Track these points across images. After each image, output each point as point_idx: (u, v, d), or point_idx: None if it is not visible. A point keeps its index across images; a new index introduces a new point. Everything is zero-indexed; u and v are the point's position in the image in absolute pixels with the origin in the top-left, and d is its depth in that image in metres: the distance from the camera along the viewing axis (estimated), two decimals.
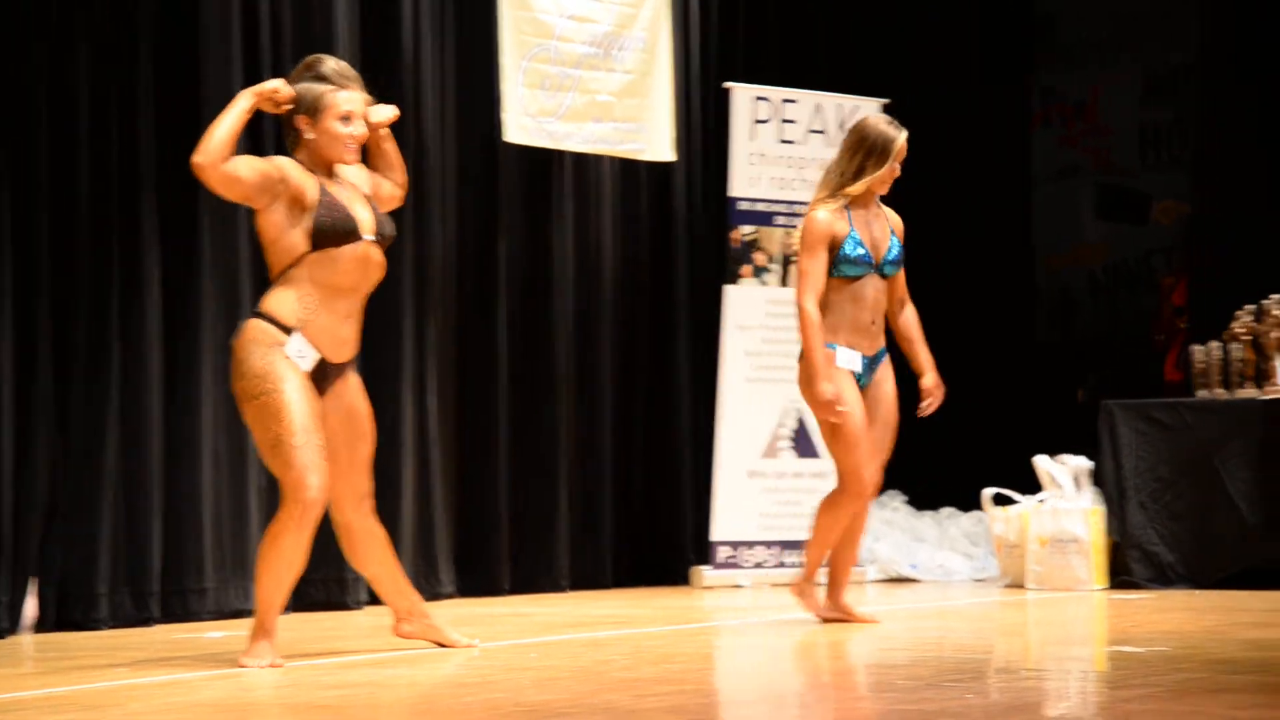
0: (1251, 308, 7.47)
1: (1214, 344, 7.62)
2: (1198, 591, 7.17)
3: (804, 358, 5.55)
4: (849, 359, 5.57)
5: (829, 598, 5.82)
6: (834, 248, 5.49)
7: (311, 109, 4.74)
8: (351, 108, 4.76)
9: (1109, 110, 11.56)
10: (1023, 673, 4.76)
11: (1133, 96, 11.47)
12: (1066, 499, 7.53)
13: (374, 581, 5.00)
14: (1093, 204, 11.66)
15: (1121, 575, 7.42)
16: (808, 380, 5.55)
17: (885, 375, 5.70)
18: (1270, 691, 4.04)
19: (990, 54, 10.23)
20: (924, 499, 8.69)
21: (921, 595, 7.39)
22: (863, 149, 5.53)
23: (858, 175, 5.52)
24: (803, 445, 7.87)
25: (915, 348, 5.79)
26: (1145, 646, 5.09)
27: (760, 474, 7.79)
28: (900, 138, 5.55)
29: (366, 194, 4.87)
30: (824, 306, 5.53)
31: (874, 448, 5.65)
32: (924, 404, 5.79)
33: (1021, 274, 10.66)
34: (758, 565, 7.74)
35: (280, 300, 4.69)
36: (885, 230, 5.63)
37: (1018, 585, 7.52)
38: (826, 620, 5.80)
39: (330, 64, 4.80)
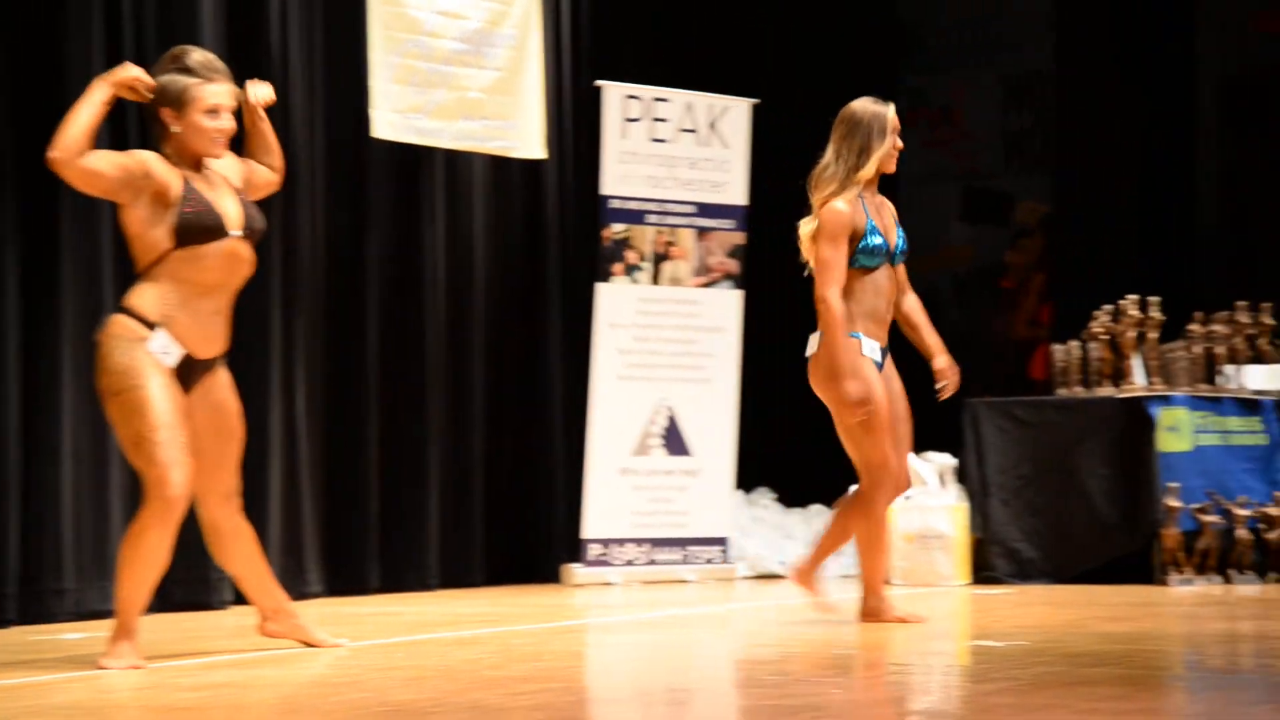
0: (1109, 308, 7.59)
1: (1073, 343, 7.73)
2: (1057, 586, 7.27)
3: (825, 352, 5.39)
4: (872, 349, 5.47)
5: (810, 574, 5.67)
6: (854, 239, 5.38)
7: (177, 102, 4.64)
8: (218, 101, 4.65)
9: (972, 115, 11.73)
10: (887, 667, 4.79)
11: (995, 101, 11.65)
12: (931, 496, 7.61)
13: (239, 580, 4.91)
14: (957, 207, 11.82)
15: (984, 571, 7.51)
16: (828, 375, 5.40)
17: (893, 368, 5.60)
18: (1126, 684, 4.10)
19: (856, 57, 10.31)
20: (793, 496, 8.74)
21: (790, 591, 7.41)
22: (860, 132, 5.43)
23: (862, 159, 5.42)
24: (673, 443, 7.88)
25: (923, 332, 5.65)
26: (1006, 641, 5.14)
27: (632, 471, 7.78)
28: (890, 110, 5.49)
29: (237, 186, 4.77)
30: (845, 297, 5.41)
31: (899, 442, 5.53)
32: (941, 385, 5.64)
33: None
34: (629, 563, 7.73)
35: (144, 296, 4.59)
36: (892, 218, 5.55)
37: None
38: (897, 620, 5.56)
39: (196, 56, 4.69)
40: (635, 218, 7.82)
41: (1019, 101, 11.57)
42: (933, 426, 9.59)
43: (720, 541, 7.95)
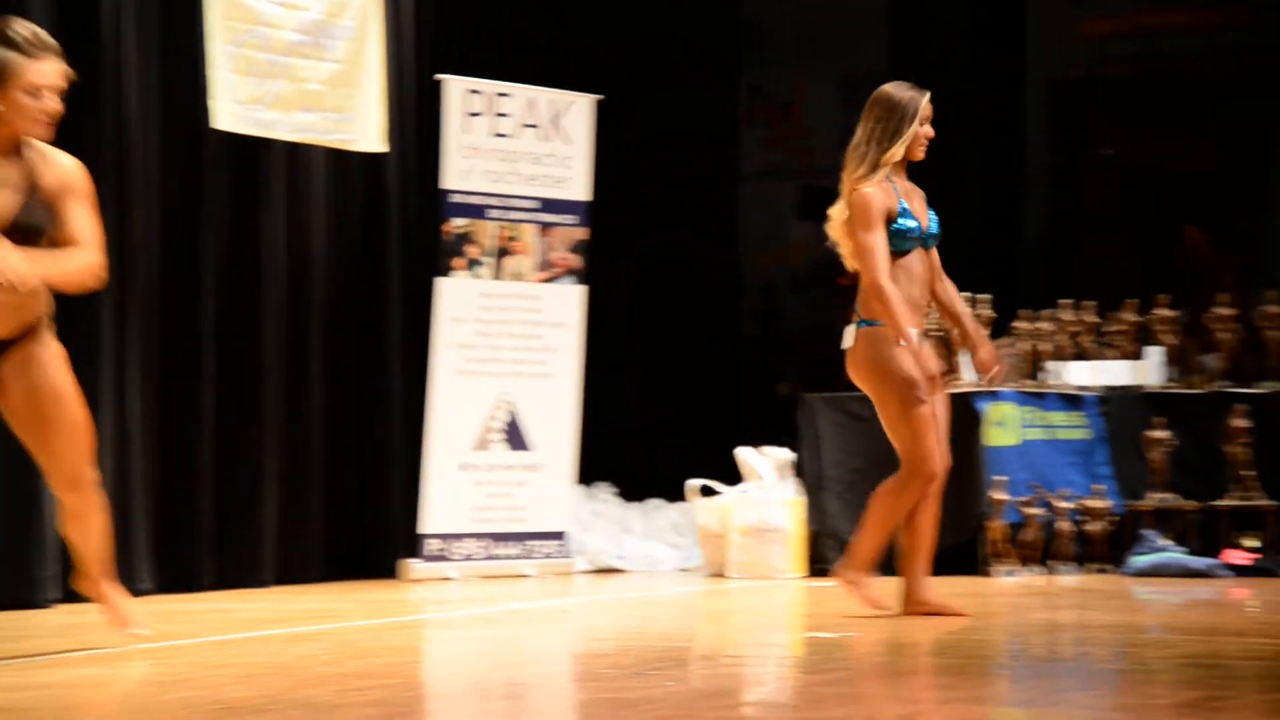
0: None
1: None
2: (889, 578, 7.37)
3: (864, 344, 5.29)
4: (914, 336, 5.37)
5: (912, 593, 5.51)
6: (888, 222, 5.32)
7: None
8: (43, 80, 4.40)
9: (811, 112, 11.84)
10: (723, 659, 4.83)
11: (833, 99, 11.77)
12: (768, 490, 7.67)
13: (71, 547, 4.78)
14: (795, 203, 11.94)
15: (819, 564, 7.59)
16: (870, 366, 5.31)
17: (929, 352, 5.53)
18: (953, 673, 4.17)
19: (698, 54, 10.37)
20: (632, 491, 8.77)
21: (628, 585, 7.45)
22: (894, 116, 5.38)
23: (893, 141, 5.36)
24: (514, 438, 7.86)
25: (963, 320, 5.56)
26: (838, 632, 5.21)
27: (472, 467, 7.75)
28: (925, 98, 5.43)
29: (33, 180, 4.46)
30: None
31: (939, 425, 5.45)
32: (987, 378, 5.56)
33: (727, 270, 10.85)
34: (468, 558, 7.70)
35: None
36: (923, 201, 5.48)
37: (721, 574, 7.64)
38: (914, 613, 5.45)
39: (21, 28, 4.42)
40: (477, 212, 7.78)
41: (856, 100, 11.70)
42: (770, 421, 9.71)
43: (560, 536, 7.95)
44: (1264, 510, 7.40)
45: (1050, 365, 7.83)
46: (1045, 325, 7.85)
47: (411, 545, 7.66)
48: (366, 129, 7.45)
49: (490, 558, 7.74)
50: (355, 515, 7.76)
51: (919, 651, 4.62)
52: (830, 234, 5.47)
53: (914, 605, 5.49)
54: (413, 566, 7.58)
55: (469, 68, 7.89)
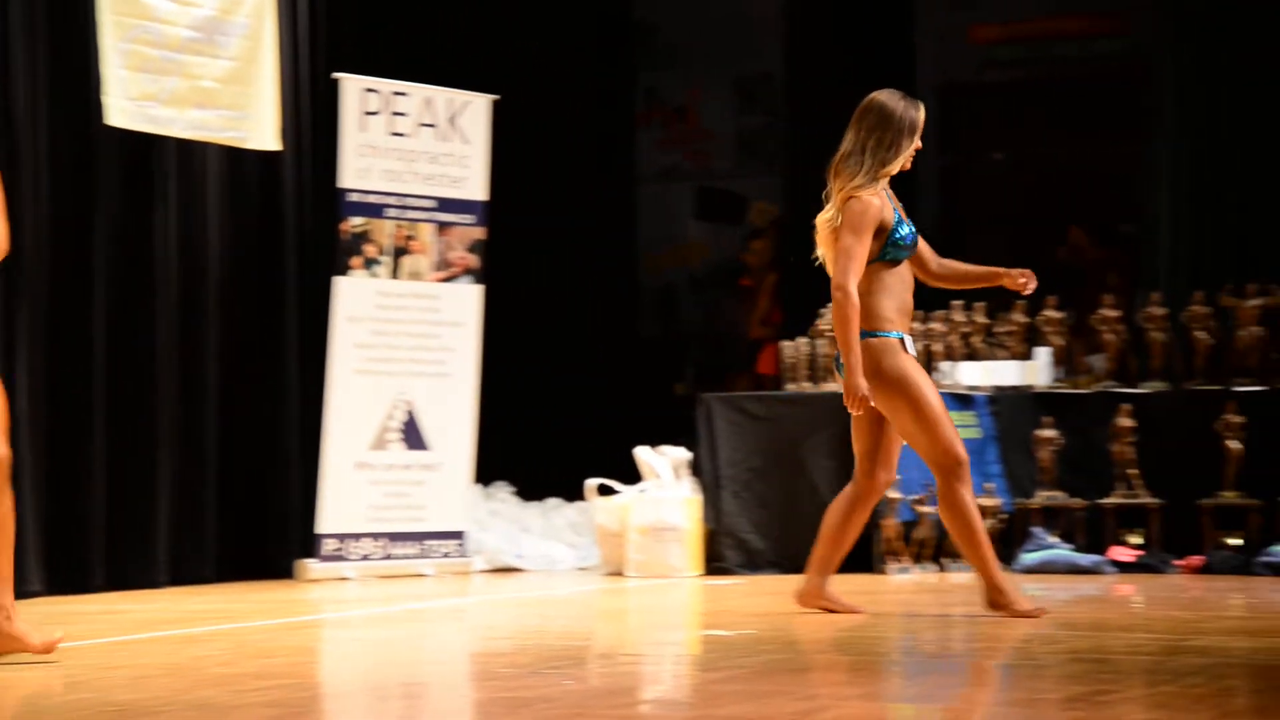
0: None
1: (801, 340, 7.90)
2: (785, 576, 7.41)
3: (868, 355, 5.26)
4: (910, 344, 5.38)
5: (814, 587, 5.56)
6: (882, 231, 5.29)
7: None
8: None
9: (708, 115, 11.89)
10: (620, 658, 4.83)
11: (729, 103, 11.83)
12: (666, 489, 7.68)
13: None
14: (692, 205, 11.98)
15: (716, 562, 7.61)
16: (874, 376, 5.27)
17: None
18: (848, 669, 4.20)
19: (594, 56, 10.37)
20: (530, 490, 8.74)
21: (526, 584, 7.42)
22: (894, 127, 5.33)
23: (891, 153, 5.33)
24: (412, 437, 7.81)
25: (974, 268, 5.56)
26: (735, 630, 5.22)
27: (369, 466, 7.69)
28: (922, 112, 5.41)
29: None
30: (875, 291, 5.31)
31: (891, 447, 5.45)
32: (1023, 281, 5.46)
33: (625, 271, 10.86)
34: (364, 557, 7.63)
35: None
36: (903, 210, 5.49)
37: (619, 573, 7.64)
38: (1024, 614, 5.30)
39: None
40: (374, 211, 7.72)
41: (751, 104, 11.79)
42: (667, 421, 9.72)
43: (458, 535, 7.91)
44: (1148, 508, 7.51)
45: (943, 365, 7.91)
46: (938, 326, 7.92)
47: (308, 545, 7.59)
48: (261, 127, 7.37)
49: (388, 557, 7.68)
50: (251, 515, 7.67)
51: (815, 649, 4.64)
52: (818, 244, 5.44)
53: (813, 600, 5.55)
54: (309, 566, 7.51)
55: (366, 67, 7.83)
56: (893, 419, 5.37)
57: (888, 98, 5.39)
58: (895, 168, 5.38)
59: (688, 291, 11.83)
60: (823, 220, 5.40)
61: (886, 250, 5.33)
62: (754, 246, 10.47)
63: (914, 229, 5.43)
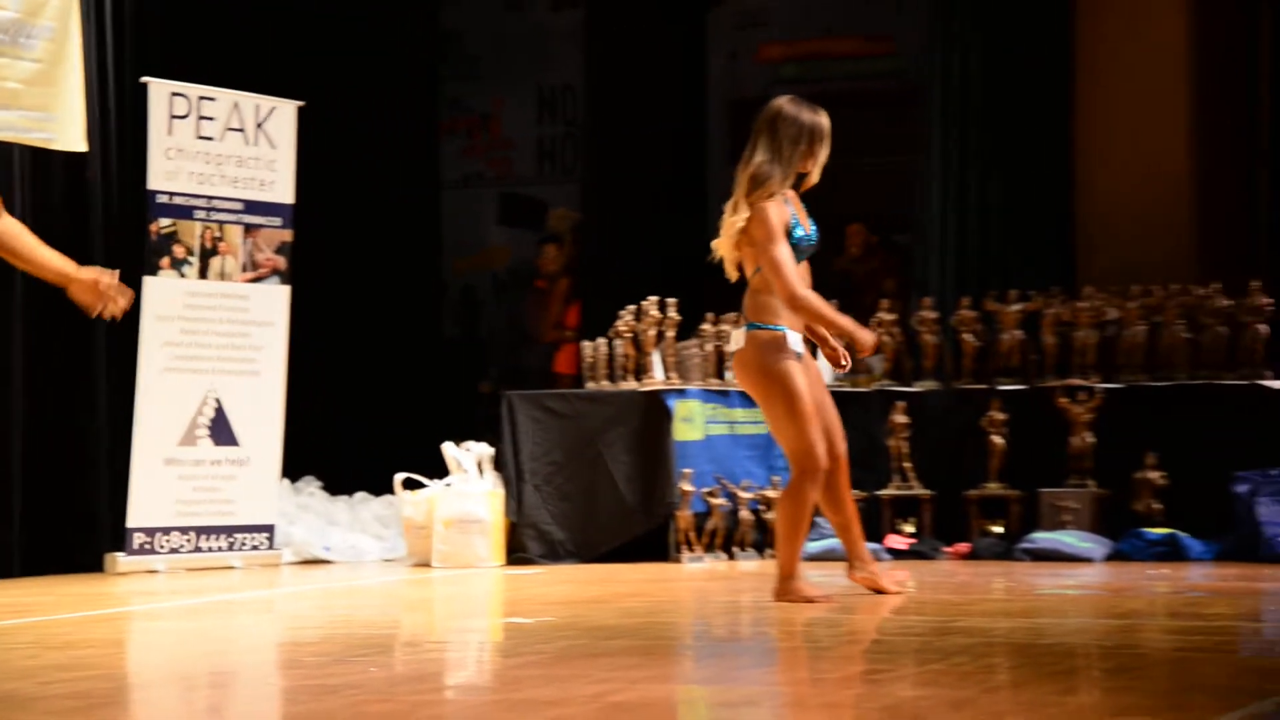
0: (633, 308, 7.82)
1: (600, 340, 7.94)
2: (584, 565, 7.45)
3: (751, 348, 5.23)
4: (796, 341, 5.32)
5: (855, 566, 5.47)
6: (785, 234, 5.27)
7: None
8: None
9: (510, 124, 11.89)
10: (425, 645, 4.81)
11: (530, 112, 11.85)
12: (470, 483, 7.66)
13: None
14: (496, 211, 11.97)
15: (518, 552, 7.61)
16: (756, 370, 5.25)
17: (811, 357, 5.48)
18: (642, 654, 4.23)
19: (400, 64, 10.30)
20: (338, 484, 8.65)
21: (334, 576, 7.34)
22: (805, 136, 5.28)
23: (801, 161, 5.28)
24: (221, 433, 7.67)
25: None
26: (535, 618, 5.23)
27: (178, 461, 7.53)
28: (827, 120, 5.37)
29: None
30: (768, 292, 5.25)
31: (830, 424, 5.38)
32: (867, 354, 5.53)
33: (430, 274, 10.81)
34: (174, 551, 7.48)
35: None
36: (805, 213, 5.43)
37: (425, 564, 7.60)
38: (807, 600, 5.33)
39: None
40: (183, 213, 7.57)
41: (552, 114, 11.82)
42: (472, 417, 9.68)
43: (267, 529, 7.79)
44: (920, 499, 7.70)
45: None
46: (729, 328, 8.02)
47: (117, 539, 7.42)
48: (68, 128, 7.19)
49: (196, 550, 7.54)
50: (59, 510, 7.46)
51: (611, 634, 4.67)
52: (717, 249, 5.41)
53: (862, 574, 5.49)
54: (118, 560, 7.33)
55: (174, 72, 7.68)
56: (766, 409, 5.38)
57: (792, 107, 5.37)
58: (806, 172, 5.37)
59: (491, 294, 11.82)
60: (729, 223, 5.37)
61: None
62: (547, 251, 10.53)
63: (811, 233, 5.42)
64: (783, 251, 5.25)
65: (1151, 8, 9.06)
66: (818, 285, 5.45)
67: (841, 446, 5.45)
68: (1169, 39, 9.03)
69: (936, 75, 9.25)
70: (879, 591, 5.47)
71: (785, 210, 5.35)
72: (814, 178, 5.39)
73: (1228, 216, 9.58)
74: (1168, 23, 9.03)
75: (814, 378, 5.42)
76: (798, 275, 5.29)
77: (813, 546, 7.51)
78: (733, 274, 5.47)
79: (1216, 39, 9.40)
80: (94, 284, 4.14)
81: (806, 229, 5.41)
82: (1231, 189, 9.68)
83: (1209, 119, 9.23)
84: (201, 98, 7.62)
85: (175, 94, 7.53)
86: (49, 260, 4.21)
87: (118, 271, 4.18)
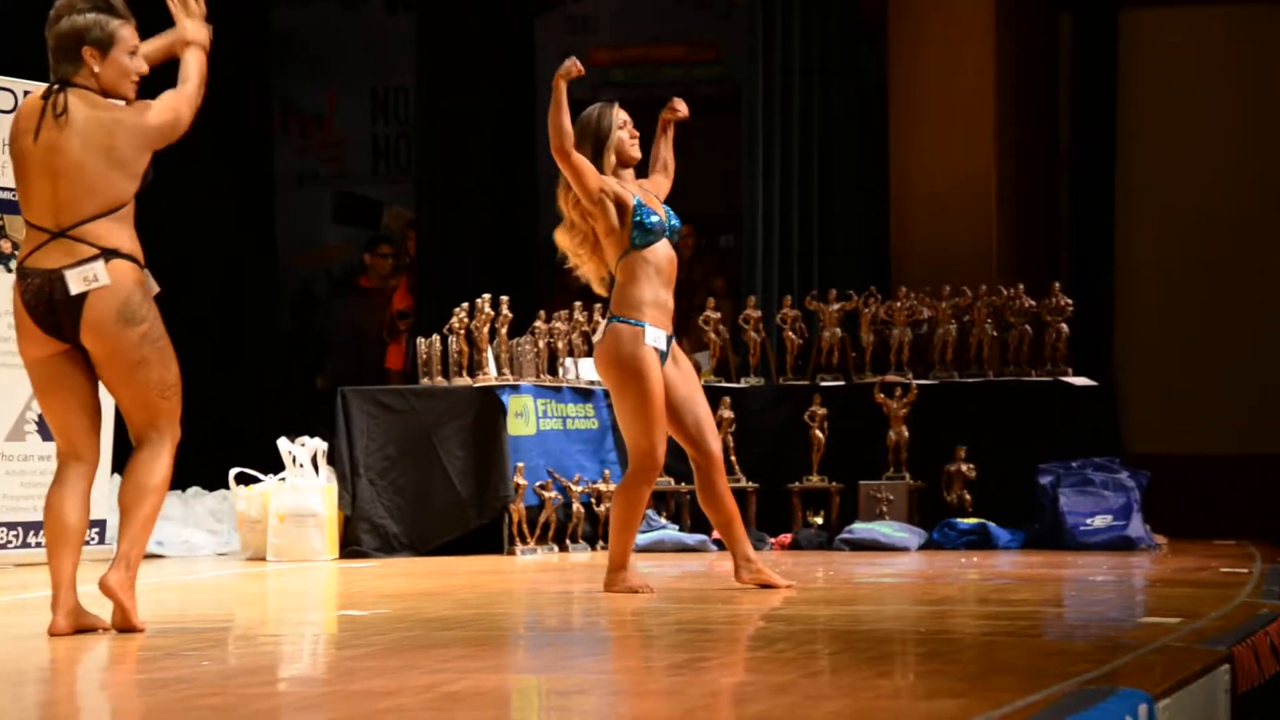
0: (466, 305, 7.77)
1: (435, 337, 7.87)
2: (418, 559, 7.38)
3: (609, 339, 5.16)
4: (656, 337, 5.19)
5: (742, 567, 5.33)
6: (624, 211, 5.20)
7: (102, 42, 4.26)
8: (136, 42, 4.34)
9: (343, 123, 11.76)
10: (259, 638, 4.71)
11: (365, 112, 11.73)
12: (305, 477, 7.55)
13: None
14: (331, 208, 11.82)
15: (352, 546, 7.52)
16: (610, 361, 5.15)
17: (679, 351, 5.36)
18: (475, 644, 4.20)
19: (230, 63, 10.11)
20: (172, 479, 8.42)
21: (166, 570, 7.17)
22: (595, 134, 5.29)
23: (605, 154, 5.28)
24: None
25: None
26: (369, 610, 5.17)
27: (5, 457, 7.30)
28: (615, 106, 5.37)
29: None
30: (630, 280, 5.19)
31: (700, 416, 5.28)
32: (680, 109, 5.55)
33: (265, 271, 10.63)
34: (2, 546, 7.25)
35: None
36: (656, 200, 5.36)
37: (259, 558, 7.46)
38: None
39: None
40: (9, 208, 7.34)
41: (386, 114, 11.71)
42: (308, 412, 9.53)
43: (98, 524, 7.58)
44: (747, 491, 7.77)
45: (566, 361, 8.00)
46: (560, 325, 8.01)
47: None
48: None
49: (24, 545, 7.31)
50: None
51: (445, 626, 4.63)
52: (578, 269, 5.37)
53: (750, 574, 5.38)
54: None
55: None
56: (616, 402, 5.31)
57: (588, 112, 5.41)
58: (612, 161, 5.32)
59: (325, 290, 11.67)
60: (558, 235, 5.37)
61: (634, 235, 5.25)
62: (381, 250, 10.45)
63: (667, 222, 5.35)
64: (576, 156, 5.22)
65: (960, 25, 9.26)
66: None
67: (715, 445, 5.37)
68: (976, 55, 9.24)
69: (758, 84, 9.35)
70: (769, 586, 5.37)
71: (625, 190, 5.30)
72: (632, 154, 5.37)
73: (1031, 222, 9.84)
74: (975, 39, 9.24)
75: (684, 374, 5.37)
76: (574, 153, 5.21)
77: (642, 539, 7.54)
78: (601, 288, 5.40)
79: (1020, 55, 9.65)
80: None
81: (662, 215, 5.35)
82: (1035, 196, 9.95)
83: (1014, 130, 9.47)
84: (26, 92, 7.38)
85: (1, 88, 7.31)
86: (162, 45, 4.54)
87: None
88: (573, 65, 5.28)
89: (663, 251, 5.30)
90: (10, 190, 7.36)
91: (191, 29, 4.54)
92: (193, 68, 4.50)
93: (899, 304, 8.02)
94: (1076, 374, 7.86)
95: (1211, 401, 9.69)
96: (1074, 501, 7.31)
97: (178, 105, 4.44)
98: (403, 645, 4.15)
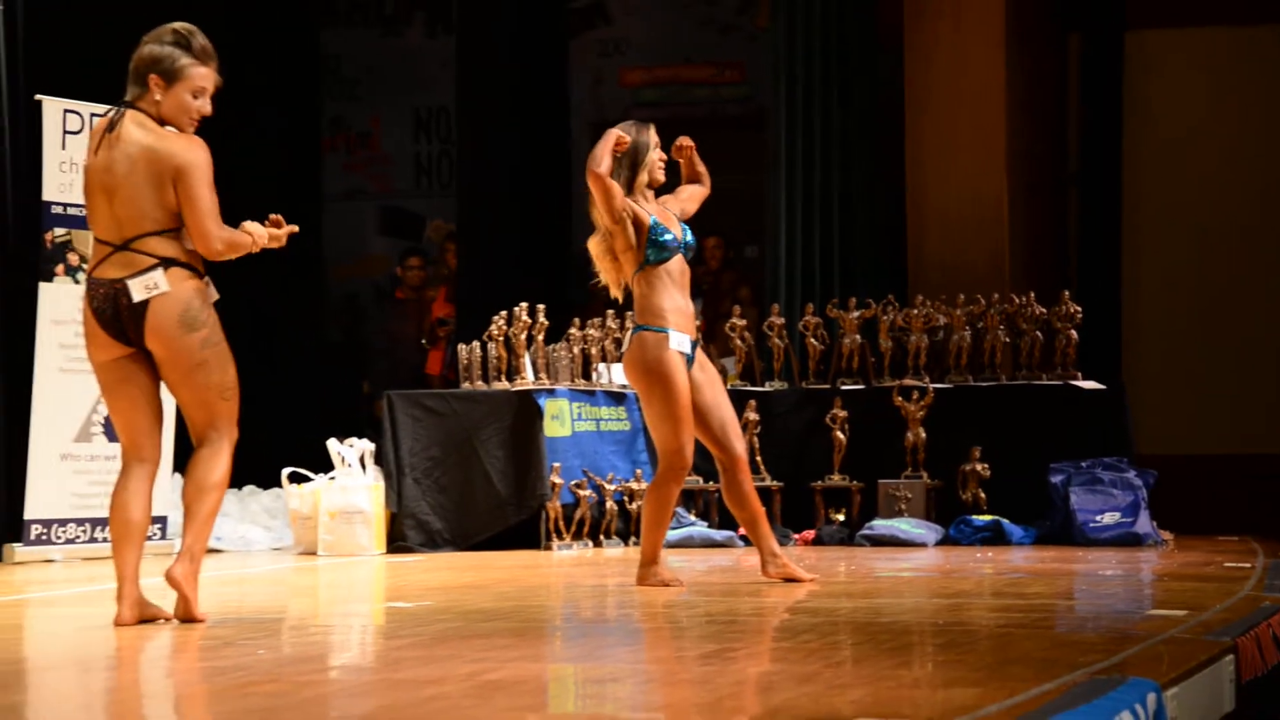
0: (505, 313, 7.79)
1: (475, 343, 7.90)
2: (460, 554, 7.40)
3: (636, 347, 5.19)
4: (680, 342, 5.22)
5: (768, 562, 5.35)
6: (641, 230, 5.23)
7: (169, 74, 4.34)
8: (206, 84, 4.43)
9: (388, 141, 11.82)
10: (312, 629, 4.74)
11: (408, 131, 11.79)
12: (353, 477, 7.58)
13: None
14: (376, 223, 11.87)
15: (398, 541, 7.55)
16: (639, 368, 5.17)
17: (704, 356, 5.39)
18: (514, 635, 4.22)
19: (282, 85, 10.19)
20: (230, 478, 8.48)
21: (224, 564, 7.21)
22: (630, 153, 5.29)
23: (634, 173, 5.30)
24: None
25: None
26: (415, 602, 5.19)
27: (73, 457, 7.36)
28: (650, 129, 5.35)
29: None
30: (650, 292, 5.22)
31: (725, 420, 5.30)
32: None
33: (314, 281, 10.69)
34: (70, 541, 7.31)
35: None
36: (672, 218, 5.37)
37: (311, 553, 7.50)
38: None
39: (197, 36, 4.45)
40: (77, 223, 7.39)
41: (428, 132, 11.77)
42: (356, 415, 9.57)
43: (160, 520, 7.63)
44: (771, 489, 7.77)
45: (599, 366, 8.02)
46: (594, 332, 8.03)
47: (15, 531, 7.23)
48: None
49: (91, 541, 7.36)
50: None
51: (486, 617, 4.64)
52: (600, 274, 5.39)
53: (775, 568, 5.39)
54: (16, 550, 7.14)
55: (67, 89, 7.52)
56: (645, 406, 5.32)
57: (622, 128, 5.37)
58: (644, 181, 5.34)
59: (371, 300, 11.73)
60: (592, 246, 5.39)
61: (649, 251, 5.29)
62: (410, 263, 10.50)
63: (682, 239, 5.36)
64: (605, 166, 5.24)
65: (972, 45, 9.24)
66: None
67: (739, 446, 5.38)
68: (988, 74, 9.22)
69: (781, 103, 9.35)
70: (794, 580, 5.37)
71: (643, 210, 5.33)
72: (658, 177, 5.40)
73: (1041, 233, 9.81)
74: (987, 58, 9.22)
75: (709, 378, 5.38)
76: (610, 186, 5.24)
77: (672, 535, 7.55)
78: (617, 293, 5.43)
79: (1031, 73, 9.63)
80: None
81: (677, 233, 5.37)
82: (1045, 208, 9.92)
83: (1024, 146, 9.45)
84: (93, 114, 7.45)
85: (68, 110, 7.37)
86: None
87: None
88: (625, 138, 5.32)
89: (676, 262, 5.35)
90: (78, 206, 7.43)
91: (264, 242, 4.68)
92: (244, 243, 4.59)
93: (916, 311, 8.01)
94: (1085, 378, 7.83)
95: (1215, 405, 9.64)
96: (1084, 499, 7.28)
97: (206, 224, 4.43)
98: (446, 635, 4.16)
